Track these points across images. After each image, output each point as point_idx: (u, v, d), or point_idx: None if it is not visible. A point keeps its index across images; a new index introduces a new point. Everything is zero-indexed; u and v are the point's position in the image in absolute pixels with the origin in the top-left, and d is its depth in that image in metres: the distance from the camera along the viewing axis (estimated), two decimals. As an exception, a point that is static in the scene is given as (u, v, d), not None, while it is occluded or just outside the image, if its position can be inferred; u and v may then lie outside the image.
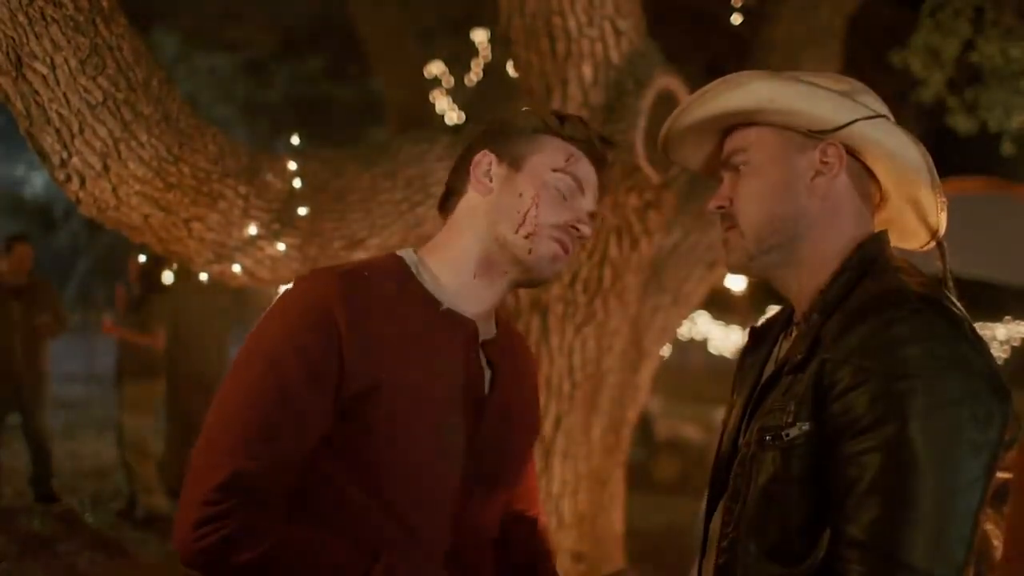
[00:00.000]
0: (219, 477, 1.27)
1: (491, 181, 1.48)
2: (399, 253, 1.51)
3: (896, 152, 1.32)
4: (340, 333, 1.34)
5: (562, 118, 1.51)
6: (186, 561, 1.29)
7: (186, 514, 1.28)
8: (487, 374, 1.49)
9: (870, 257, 1.32)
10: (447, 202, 1.54)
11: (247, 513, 1.27)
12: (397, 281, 1.45)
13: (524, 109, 1.55)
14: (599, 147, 1.52)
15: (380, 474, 1.37)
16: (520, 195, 1.46)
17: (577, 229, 1.48)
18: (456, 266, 1.48)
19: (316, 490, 1.36)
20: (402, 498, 1.38)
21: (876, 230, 1.38)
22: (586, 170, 1.51)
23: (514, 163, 1.48)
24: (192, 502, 1.28)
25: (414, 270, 1.48)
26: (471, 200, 1.50)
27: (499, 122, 1.56)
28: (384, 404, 1.35)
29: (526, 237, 1.45)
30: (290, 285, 1.43)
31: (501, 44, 3.15)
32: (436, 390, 1.41)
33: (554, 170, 1.47)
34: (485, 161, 1.49)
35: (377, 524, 1.37)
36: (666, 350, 4.33)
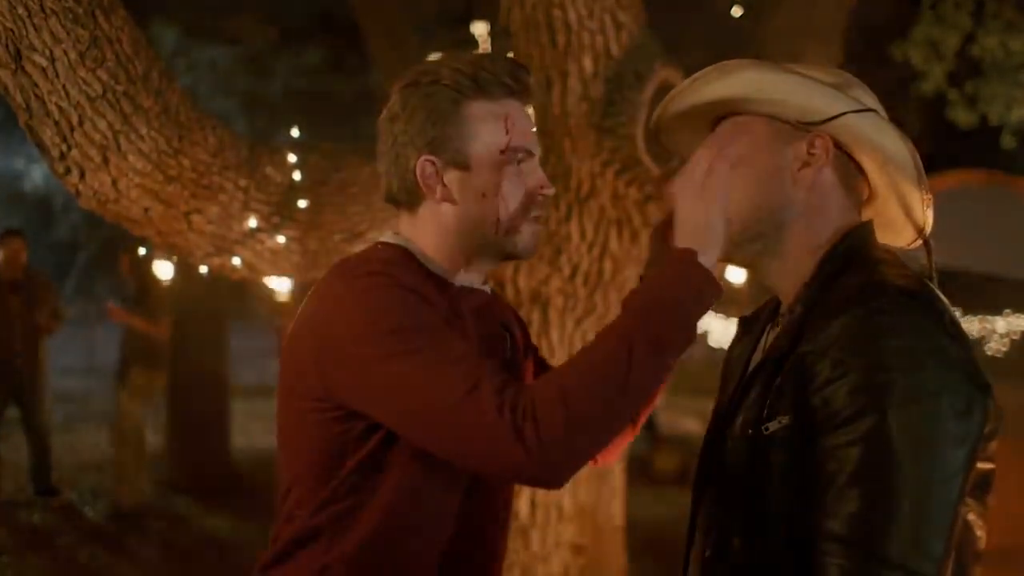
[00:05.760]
0: (478, 399, 1.23)
1: (447, 187, 1.43)
2: (392, 243, 1.48)
3: (883, 147, 1.32)
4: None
5: (475, 78, 1.42)
6: (545, 479, 1.26)
7: (494, 447, 1.23)
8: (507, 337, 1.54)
9: (853, 249, 1.32)
10: (402, 204, 1.49)
11: (515, 397, 1.23)
12: (413, 269, 1.43)
13: (431, 81, 1.43)
14: (519, 83, 1.45)
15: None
16: (484, 195, 1.42)
17: (543, 193, 1.46)
18: (445, 258, 1.47)
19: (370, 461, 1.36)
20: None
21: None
22: (522, 120, 1.45)
23: (460, 163, 1.43)
24: (486, 433, 1.23)
25: (418, 256, 1.47)
26: (438, 208, 1.45)
27: (416, 110, 1.44)
28: None
29: (506, 234, 1.44)
30: (354, 283, 1.36)
31: (501, 37, 3.14)
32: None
33: (501, 152, 1.42)
34: (429, 169, 1.43)
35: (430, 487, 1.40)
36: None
